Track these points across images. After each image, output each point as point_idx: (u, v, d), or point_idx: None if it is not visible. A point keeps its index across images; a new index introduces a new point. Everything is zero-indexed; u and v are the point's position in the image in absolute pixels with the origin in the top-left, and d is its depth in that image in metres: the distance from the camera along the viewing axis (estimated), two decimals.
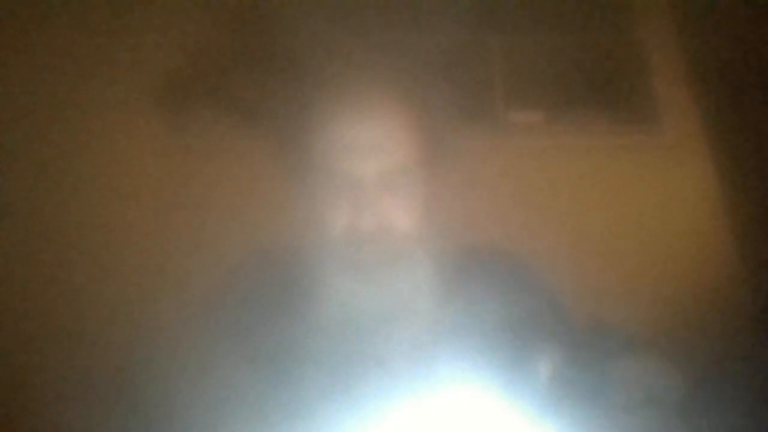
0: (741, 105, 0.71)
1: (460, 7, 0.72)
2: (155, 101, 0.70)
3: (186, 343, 0.65)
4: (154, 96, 0.70)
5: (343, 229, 0.68)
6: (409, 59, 0.71)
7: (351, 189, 0.68)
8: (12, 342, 0.66)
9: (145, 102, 0.70)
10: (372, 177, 0.67)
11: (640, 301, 0.67)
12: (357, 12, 0.72)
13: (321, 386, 0.63)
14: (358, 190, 0.67)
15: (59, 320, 0.66)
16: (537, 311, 0.66)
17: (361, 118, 0.70)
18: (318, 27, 0.71)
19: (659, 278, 0.68)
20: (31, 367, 0.65)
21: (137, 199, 0.68)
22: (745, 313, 0.68)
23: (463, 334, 0.65)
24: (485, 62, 0.74)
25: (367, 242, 0.67)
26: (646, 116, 0.74)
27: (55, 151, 0.69)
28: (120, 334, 0.65)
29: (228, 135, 0.70)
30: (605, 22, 0.75)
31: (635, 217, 0.70)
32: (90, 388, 0.64)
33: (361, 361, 0.64)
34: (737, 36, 0.72)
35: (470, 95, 0.73)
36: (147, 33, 0.71)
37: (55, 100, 0.70)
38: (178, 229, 0.68)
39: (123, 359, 0.65)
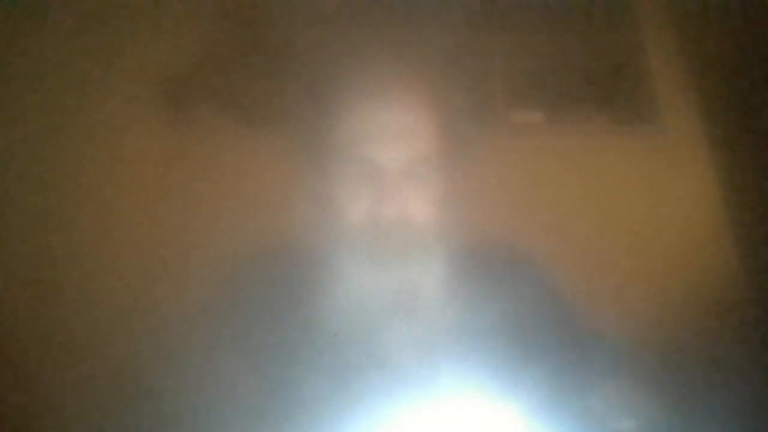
0: (741, 105, 0.71)
1: (460, 7, 0.72)
2: (167, 96, 0.70)
3: (193, 342, 0.65)
4: (165, 91, 0.70)
5: (339, 223, 0.68)
6: (409, 59, 0.71)
7: (346, 186, 0.68)
8: (12, 342, 0.66)
9: (154, 97, 0.70)
10: (368, 175, 0.68)
11: (640, 300, 0.67)
12: (357, 12, 0.72)
13: (330, 382, 0.63)
14: (353, 186, 0.68)
15: (60, 321, 0.66)
16: (537, 310, 0.66)
17: (359, 118, 0.70)
18: (318, 26, 0.71)
19: (659, 278, 0.68)
20: (32, 368, 0.65)
21: (149, 197, 0.68)
22: (745, 313, 0.68)
23: (463, 333, 0.65)
24: (485, 62, 0.74)
25: (362, 238, 0.67)
26: (646, 116, 0.74)
27: (57, 151, 0.69)
28: (129, 333, 0.66)
29: (243, 128, 0.70)
30: (605, 22, 0.75)
31: (635, 217, 0.70)
32: (90, 389, 0.64)
33: (371, 358, 0.64)
34: (737, 36, 0.72)
35: (470, 95, 0.73)
36: (157, 30, 0.71)
37: (55, 101, 0.70)
38: (193, 223, 0.68)
39: (128, 359, 0.65)
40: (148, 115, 0.70)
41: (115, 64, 0.70)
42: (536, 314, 0.66)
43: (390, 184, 0.67)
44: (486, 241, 0.70)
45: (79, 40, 0.71)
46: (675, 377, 0.65)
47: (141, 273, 0.67)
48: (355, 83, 0.71)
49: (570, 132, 0.74)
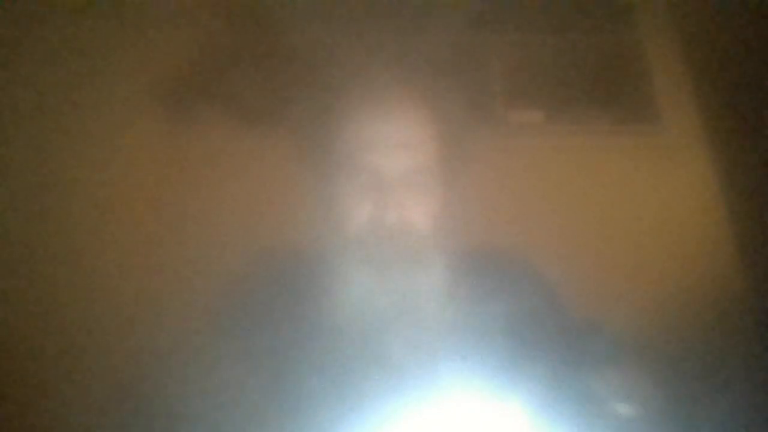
0: (741, 105, 0.71)
1: (460, 7, 0.72)
2: (170, 98, 0.70)
3: (195, 343, 0.65)
4: (169, 92, 0.70)
5: (340, 227, 0.68)
6: (409, 59, 0.71)
7: (347, 189, 0.68)
8: (13, 343, 0.66)
9: (157, 99, 0.70)
10: (369, 178, 0.68)
11: (640, 300, 0.67)
12: (358, 12, 0.72)
13: (331, 385, 0.63)
14: (354, 189, 0.68)
15: (61, 321, 0.66)
16: (537, 311, 0.66)
17: (360, 121, 0.70)
18: (321, 28, 0.71)
19: (659, 277, 0.68)
20: (33, 368, 0.65)
21: (151, 199, 0.69)
22: (745, 313, 0.68)
23: (463, 334, 0.65)
24: (485, 62, 0.74)
25: (363, 242, 0.67)
26: (646, 116, 0.74)
27: (57, 151, 0.69)
28: (130, 334, 0.66)
29: (245, 131, 0.70)
30: (605, 22, 0.75)
31: (635, 217, 0.70)
32: (91, 389, 0.64)
33: (373, 359, 0.64)
34: (737, 36, 0.72)
35: (470, 95, 0.73)
36: (154, 32, 0.71)
37: (55, 101, 0.70)
38: (195, 225, 0.68)
39: (129, 360, 0.65)
40: (150, 116, 0.70)
41: (116, 64, 0.71)
42: (536, 315, 0.66)
43: (391, 187, 0.67)
44: (487, 242, 0.70)
45: (79, 40, 0.71)
46: (675, 377, 0.65)
47: (142, 274, 0.67)
48: (355, 86, 0.71)
49: (570, 132, 0.74)
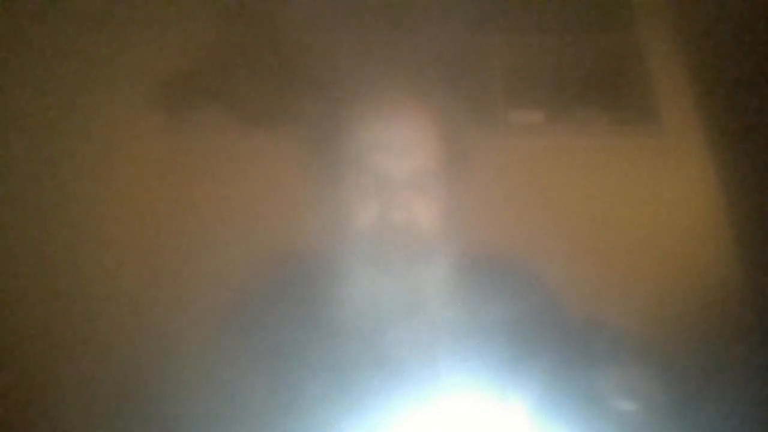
0: (741, 105, 0.71)
1: (460, 7, 0.72)
2: (171, 103, 0.70)
3: (197, 343, 0.65)
4: (171, 98, 0.70)
5: (344, 229, 0.68)
6: (410, 60, 0.71)
7: (350, 190, 0.68)
8: (13, 344, 0.66)
9: (159, 104, 0.70)
10: (369, 177, 0.68)
11: (640, 300, 0.67)
12: (359, 14, 0.72)
13: (334, 385, 0.64)
14: (355, 190, 0.68)
15: (62, 322, 0.66)
16: (538, 311, 0.66)
17: (360, 120, 0.70)
18: (322, 30, 0.71)
19: (659, 277, 0.68)
20: (33, 369, 0.65)
21: (155, 199, 0.68)
22: (745, 313, 0.68)
23: (465, 334, 0.65)
24: (486, 62, 0.74)
25: (364, 242, 0.67)
26: (646, 116, 0.74)
27: (57, 151, 0.69)
28: (131, 334, 0.65)
29: (248, 136, 0.70)
30: (605, 22, 0.75)
31: (636, 217, 0.70)
32: (92, 390, 0.64)
33: (374, 361, 0.64)
34: (737, 36, 0.72)
35: (470, 95, 0.73)
36: (156, 33, 0.71)
37: (55, 101, 0.70)
38: (199, 225, 0.68)
39: (130, 360, 0.65)
40: (154, 118, 0.70)
41: (122, 65, 0.70)
42: (537, 314, 0.66)
43: (392, 188, 0.67)
44: (488, 242, 0.70)
45: (79, 40, 0.71)
46: (675, 378, 0.65)
47: (144, 274, 0.67)
48: (357, 87, 0.71)
49: (570, 132, 0.74)
